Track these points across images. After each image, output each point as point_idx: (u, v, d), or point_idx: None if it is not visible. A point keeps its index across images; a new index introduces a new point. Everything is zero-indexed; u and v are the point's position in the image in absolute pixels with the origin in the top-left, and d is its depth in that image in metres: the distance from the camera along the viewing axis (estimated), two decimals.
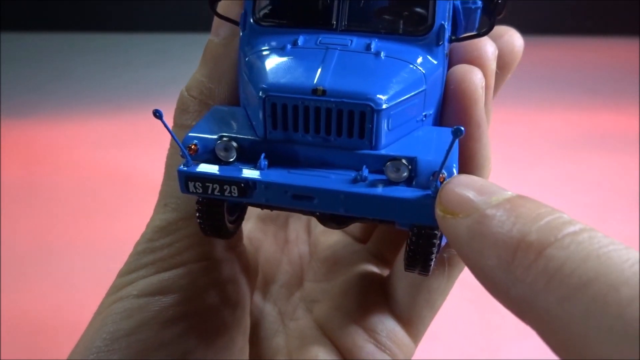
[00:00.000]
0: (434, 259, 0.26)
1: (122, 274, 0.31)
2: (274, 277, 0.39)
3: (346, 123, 0.24)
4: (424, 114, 0.26)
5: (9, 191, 1.22)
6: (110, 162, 1.34)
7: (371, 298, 0.35)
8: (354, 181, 0.24)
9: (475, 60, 0.28)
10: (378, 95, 0.24)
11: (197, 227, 0.29)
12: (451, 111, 0.27)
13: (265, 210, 0.38)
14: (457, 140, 0.22)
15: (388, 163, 0.24)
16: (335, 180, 0.24)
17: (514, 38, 0.30)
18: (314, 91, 0.24)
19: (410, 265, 0.27)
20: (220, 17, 0.29)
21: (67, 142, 1.45)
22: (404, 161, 0.24)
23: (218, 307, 0.32)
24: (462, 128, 0.21)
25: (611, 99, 1.66)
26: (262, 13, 0.28)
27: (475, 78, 0.27)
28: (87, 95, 1.76)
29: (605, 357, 0.16)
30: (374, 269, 0.38)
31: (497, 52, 0.28)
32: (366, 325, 0.34)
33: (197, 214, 0.27)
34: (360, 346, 0.34)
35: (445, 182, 0.22)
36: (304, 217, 0.41)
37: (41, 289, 0.93)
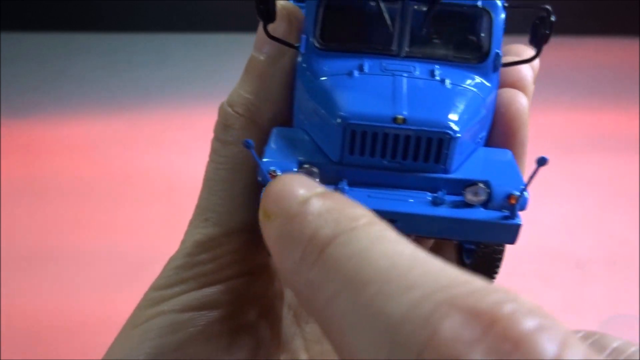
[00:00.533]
0: (498, 273, 0.28)
1: (158, 287, 0.31)
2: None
3: (424, 149, 0.25)
4: (480, 135, 0.28)
5: (9, 191, 1.22)
6: (110, 162, 1.34)
7: None
8: (434, 203, 0.25)
9: (517, 83, 0.30)
10: (452, 124, 0.25)
11: (242, 241, 0.29)
12: (498, 132, 0.29)
13: None
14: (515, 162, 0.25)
15: (468, 188, 0.25)
16: (416, 203, 0.25)
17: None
18: (395, 119, 0.25)
19: None
20: (273, 38, 0.29)
21: (67, 142, 1.45)
22: (481, 185, 0.25)
23: (258, 322, 0.32)
24: (546, 158, 0.22)
25: (611, 99, 1.66)
26: (322, 36, 0.29)
27: (522, 101, 0.28)
28: (87, 95, 1.76)
29: (361, 354, 0.16)
30: None
31: (533, 74, 0.30)
32: None
33: None
34: None
35: (269, 183, 0.22)
36: None
37: (41, 289, 0.93)
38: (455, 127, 0.25)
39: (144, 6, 2.43)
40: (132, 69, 2.01)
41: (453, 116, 0.25)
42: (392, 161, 0.26)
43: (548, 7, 0.29)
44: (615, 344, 0.21)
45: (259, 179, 0.25)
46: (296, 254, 0.19)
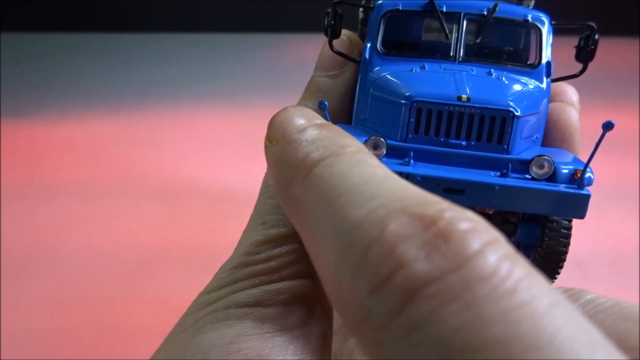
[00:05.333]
0: (560, 272, 0.28)
1: (209, 290, 0.31)
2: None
3: (487, 128, 0.27)
4: (535, 135, 0.29)
5: (9, 191, 1.22)
6: (110, 162, 1.34)
7: None
8: (501, 176, 0.26)
9: (564, 97, 0.33)
10: (513, 104, 0.27)
11: (299, 243, 0.30)
12: (552, 139, 0.31)
13: None
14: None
15: (533, 159, 0.26)
16: (483, 175, 0.26)
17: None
18: (459, 98, 0.26)
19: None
20: (337, 52, 0.31)
21: (67, 142, 1.46)
22: (547, 157, 0.26)
23: (311, 327, 0.32)
24: (613, 122, 0.24)
25: (611, 99, 1.66)
26: (384, 43, 0.31)
27: (574, 112, 0.31)
28: (87, 95, 1.76)
29: (327, 261, 0.18)
30: None
31: (578, 97, 0.33)
32: None
33: None
34: None
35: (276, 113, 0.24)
36: None
37: (41, 289, 0.93)
38: (516, 107, 0.27)
39: (145, 6, 2.43)
40: (132, 69, 2.02)
41: (513, 99, 0.27)
42: (456, 141, 0.27)
43: (593, 24, 0.30)
44: (589, 297, 0.23)
45: None
46: (289, 174, 0.21)
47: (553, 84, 0.32)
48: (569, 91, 0.32)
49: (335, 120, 0.31)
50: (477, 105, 0.26)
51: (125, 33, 2.38)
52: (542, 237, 0.28)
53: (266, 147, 0.23)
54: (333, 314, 0.35)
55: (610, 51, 2.08)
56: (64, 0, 2.41)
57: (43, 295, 0.92)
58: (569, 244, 0.27)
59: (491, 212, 0.30)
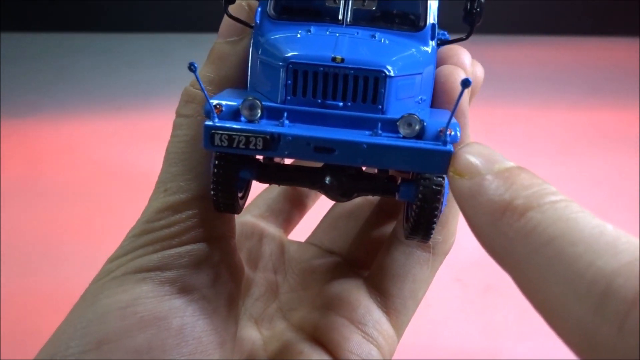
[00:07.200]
0: (435, 227, 0.30)
1: (113, 258, 0.31)
2: (249, 291, 0.39)
3: (361, 88, 0.28)
4: (420, 96, 0.30)
5: (9, 191, 1.22)
6: (110, 161, 1.34)
7: (354, 294, 0.36)
8: (372, 135, 0.27)
9: (453, 59, 0.33)
10: (388, 65, 0.28)
11: (199, 209, 0.31)
12: (441, 102, 0.32)
13: (240, 229, 0.40)
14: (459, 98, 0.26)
15: (401, 118, 0.27)
16: (354, 134, 0.27)
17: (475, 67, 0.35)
18: (334, 59, 0.27)
19: (412, 232, 0.30)
20: (233, 18, 0.32)
21: (67, 142, 1.46)
22: (414, 116, 0.27)
23: (215, 289, 0.32)
24: (470, 79, 0.25)
25: (611, 98, 1.66)
26: (275, 8, 0.32)
27: (462, 73, 0.31)
28: (87, 95, 1.76)
29: (558, 297, 0.19)
30: (351, 273, 0.38)
31: (470, 59, 0.33)
32: (352, 317, 0.35)
33: (212, 188, 0.30)
34: (347, 337, 0.34)
35: (459, 147, 0.26)
36: (276, 237, 0.43)
37: (41, 289, 0.93)
38: (390, 68, 0.28)
39: (144, 6, 2.43)
40: (132, 69, 2.01)
41: (388, 60, 0.28)
42: (332, 102, 0.28)
43: None
44: None
45: (205, 109, 0.27)
46: (494, 213, 0.22)
47: (447, 47, 0.33)
48: (461, 53, 0.33)
49: (234, 86, 0.32)
50: (350, 66, 0.27)
51: (125, 33, 2.38)
52: (417, 194, 0.29)
53: (453, 179, 0.25)
54: (243, 279, 0.36)
55: (610, 51, 2.08)
56: (64, 0, 2.40)
57: (43, 295, 0.92)
58: (440, 199, 0.28)
59: (375, 171, 0.32)
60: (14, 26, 2.39)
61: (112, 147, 1.42)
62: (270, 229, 0.42)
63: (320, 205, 0.46)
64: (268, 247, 0.42)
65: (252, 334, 0.36)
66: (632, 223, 1.07)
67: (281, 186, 0.44)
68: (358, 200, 0.42)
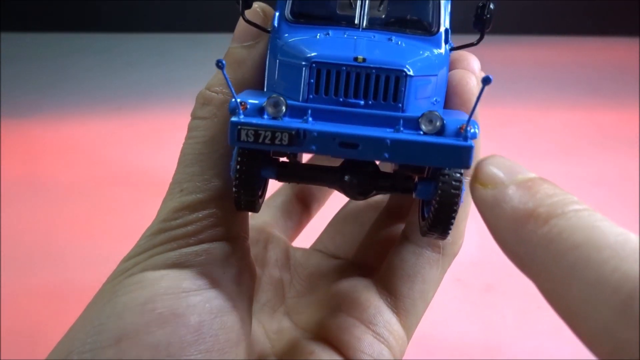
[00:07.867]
0: (453, 222, 0.30)
1: (129, 257, 0.31)
2: (255, 297, 0.39)
3: (382, 87, 0.29)
4: (435, 98, 0.31)
5: (9, 191, 1.22)
6: (110, 161, 1.34)
7: (363, 294, 0.36)
8: (394, 132, 0.28)
9: (464, 64, 0.34)
10: (408, 65, 0.29)
11: (216, 208, 0.31)
12: (453, 104, 0.33)
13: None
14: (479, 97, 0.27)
15: (423, 115, 0.28)
16: (378, 130, 0.28)
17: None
18: (356, 59, 0.28)
19: (431, 228, 0.31)
20: (249, 22, 0.33)
21: (67, 142, 1.45)
22: (435, 113, 0.28)
23: (232, 288, 0.32)
24: (491, 77, 0.26)
25: (611, 98, 1.66)
26: (293, 12, 0.33)
27: (473, 78, 0.33)
28: (87, 95, 1.76)
29: (583, 302, 0.20)
30: (359, 274, 0.39)
31: (479, 65, 0.34)
32: (363, 317, 0.35)
33: (235, 185, 0.30)
34: (358, 338, 0.34)
35: (481, 159, 0.26)
36: (281, 243, 0.43)
37: (41, 289, 0.93)
38: (409, 67, 0.29)
39: (144, 6, 2.42)
40: (132, 69, 2.01)
41: (406, 60, 0.29)
42: (353, 100, 0.29)
43: None
44: None
45: (230, 106, 0.28)
46: (518, 221, 0.23)
47: (456, 53, 0.34)
48: (470, 59, 0.34)
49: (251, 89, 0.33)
50: (372, 66, 0.28)
51: (125, 33, 2.38)
52: (436, 191, 0.30)
53: (476, 188, 0.26)
54: (256, 279, 0.36)
55: (610, 51, 2.08)
56: (64, 0, 2.40)
57: (43, 295, 0.92)
58: (459, 194, 0.29)
59: (392, 170, 0.33)
60: (14, 26, 2.39)
61: (112, 147, 1.42)
62: (275, 235, 0.43)
63: (322, 214, 0.46)
64: (273, 253, 0.42)
65: (260, 336, 0.36)
66: (633, 223, 1.07)
67: (285, 194, 0.44)
68: (361, 204, 0.42)
